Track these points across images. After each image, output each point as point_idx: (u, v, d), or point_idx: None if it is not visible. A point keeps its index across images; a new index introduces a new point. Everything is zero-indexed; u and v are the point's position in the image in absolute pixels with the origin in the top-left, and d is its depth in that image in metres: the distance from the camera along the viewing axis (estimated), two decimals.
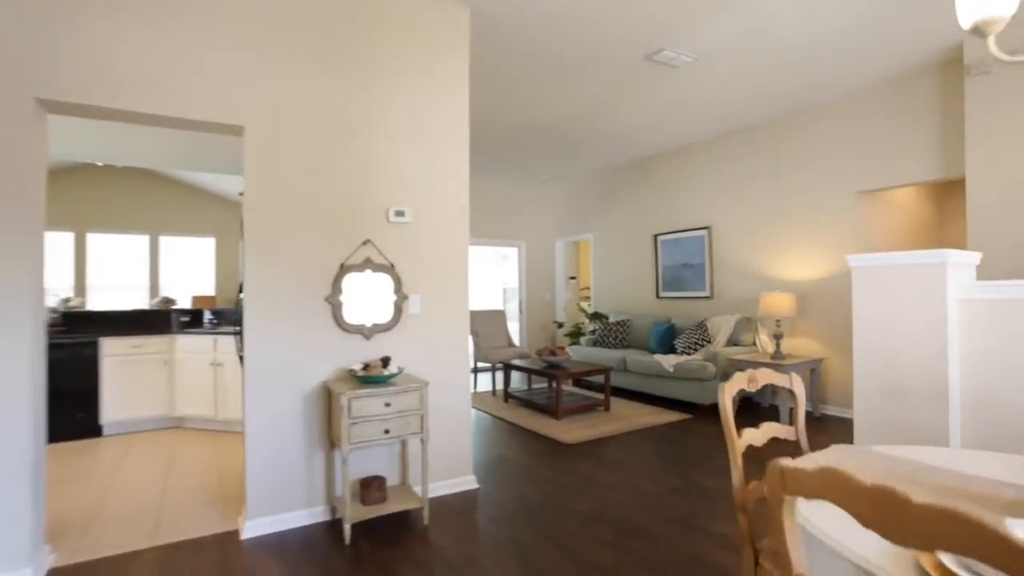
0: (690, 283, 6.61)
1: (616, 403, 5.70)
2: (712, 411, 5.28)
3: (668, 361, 5.49)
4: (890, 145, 4.74)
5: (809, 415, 5.11)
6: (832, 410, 5.12)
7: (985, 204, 3.97)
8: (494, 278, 11.23)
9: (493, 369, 6.44)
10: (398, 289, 3.11)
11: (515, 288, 9.05)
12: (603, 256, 8.08)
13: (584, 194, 8.47)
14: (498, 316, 7.16)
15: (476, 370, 6.92)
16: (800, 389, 1.87)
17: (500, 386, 6.87)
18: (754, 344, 5.67)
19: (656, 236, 7.07)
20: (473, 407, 5.69)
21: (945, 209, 6.58)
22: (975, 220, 4.02)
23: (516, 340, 8.81)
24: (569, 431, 4.59)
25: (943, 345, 2.29)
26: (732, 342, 5.68)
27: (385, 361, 2.84)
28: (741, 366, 5.09)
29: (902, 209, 5.93)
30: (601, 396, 5.90)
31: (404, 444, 3.14)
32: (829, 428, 4.60)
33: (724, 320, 5.76)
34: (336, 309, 2.94)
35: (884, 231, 5.75)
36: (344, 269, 2.96)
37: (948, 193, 6.54)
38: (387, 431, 2.67)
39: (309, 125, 2.90)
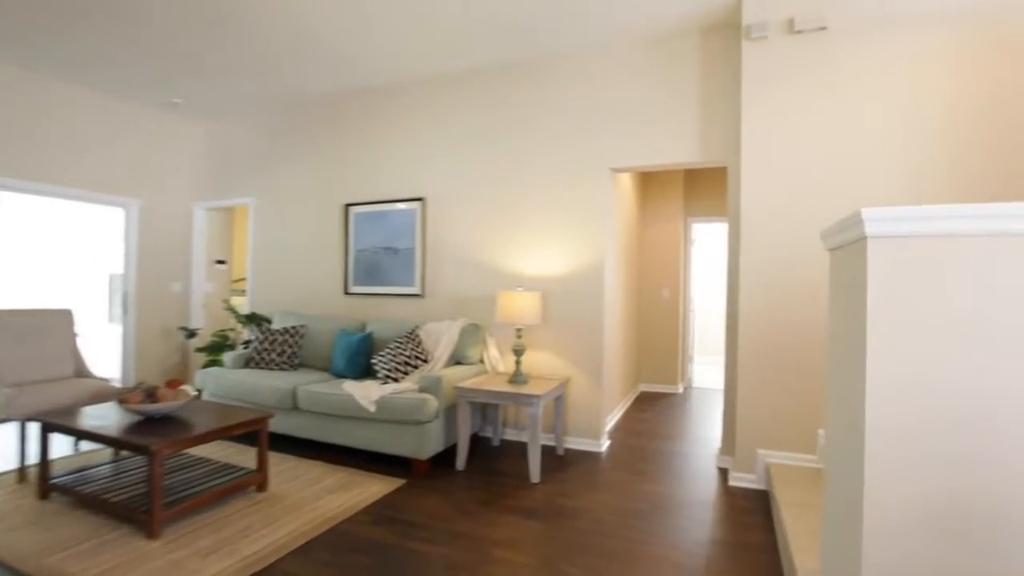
0: (394, 274, 4.80)
1: (280, 468, 3.45)
2: (434, 469, 3.56)
3: (366, 394, 3.53)
4: (652, 117, 3.86)
5: (551, 452, 3.89)
6: (575, 443, 4.02)
7: (760, 197, 3.30)
8: (89, 255, 7.24)
9: (23, 423, 3.31)
10: None
11: (122, 275, 5.63)
12: (268, 231, 5.57)
13: (244, 137, 5.77)
14: (56, 321, 3.94)
15: None
16: None
17: (50, 457, 3.70)
18: (481, 361, 4.21)
19: (348, 207, 5.02)
20: None
21: (645, 208, 6.46)
22: (751, 214, 3.32)
23: (109, 363, 5.46)
24: (177, 571, 2.17)
25: None
26: (456, 359, 4.09)
27: None
28: (476, 397, 3.51)
29: (627, 198, 5.37)
30: (252, 459, 3.53)
31: None
32: (577, 467, 3.42)
33: (445, 328, 4.13)
34: None
35: (623, 222, 5.05)
36: None
37: (646, 184, 6.44)
38: None
39: None
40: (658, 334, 6.33)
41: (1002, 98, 2.83)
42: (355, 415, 3.57)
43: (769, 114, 3.28)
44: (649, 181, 6.39)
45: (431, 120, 4.63)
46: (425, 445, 3.42)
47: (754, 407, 3.27)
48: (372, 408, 3.47)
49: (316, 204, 5.24)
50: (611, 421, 4.63)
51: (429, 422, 3.44)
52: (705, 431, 4.55)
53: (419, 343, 4.04)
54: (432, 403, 3.42)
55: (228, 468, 3.15)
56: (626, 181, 5.27)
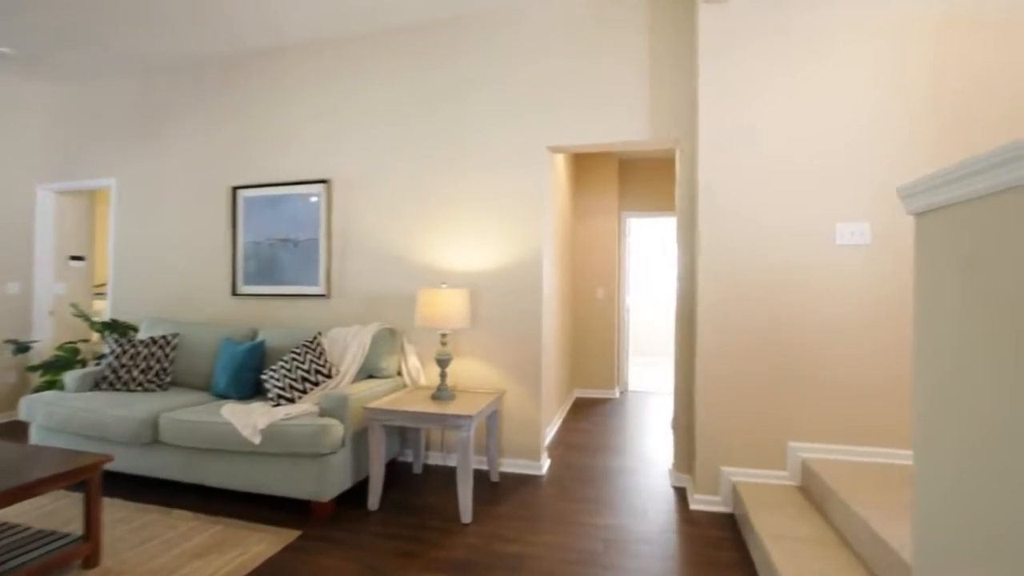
0: (294, 271, 4.02)
1: (130, 526, 2.61)
2: (340, 511, 2.85)
3: (249, 421, 2.77)
4: (595, 90, 3.37)
5: (484, 479, 3.29)
6: (511, 465, 3.45)
7: (721, 181, 2.91)
8: None
9: None
10: None
11: None
12: (135, 219, 4.57)
13: (106, 104, 4.72)
14: None
15: None
16: None
17: None
18: (399, 374, 3.55)
19: (236, 190, 4.17)
20: None
21: (578, 201, 6.04)
22: (710, 201, 2.91)
23: None
24: None
25: None
26: (368, 372, 3.39)
27: None
28: (393, 420, 2.85)
29: (561, 189, 4.89)
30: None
31: None
32: (515, 497, 2.85)
33: (355, 335, 3.43)
34: None
35: (558, 214, 4.54)
36: None
37: (579, 175, 6.02)
38: None
39: None
40: (593, 336, 5.92)
41: (993, 72, 2.58)
42: (236, 448, 2.79)
43: (730, 87, 2.89)
44: (583, 173, 5.98)
45: (341, 90, 3.90)
46: (327, 483, 2.72)
47: (716, 418, 2.86)
48: (256, 439, 2.71)
49: (197, 187, 4.33)
50: (549, 434, 4.13)
51: (332, 453, 2.74)
52: (651, 441, 4.15)
53: (322, 353, 3.31)
54: (336, 429, 2.72)
55: (43, 536, 2.28)
56: (560, 170, 4.79)
